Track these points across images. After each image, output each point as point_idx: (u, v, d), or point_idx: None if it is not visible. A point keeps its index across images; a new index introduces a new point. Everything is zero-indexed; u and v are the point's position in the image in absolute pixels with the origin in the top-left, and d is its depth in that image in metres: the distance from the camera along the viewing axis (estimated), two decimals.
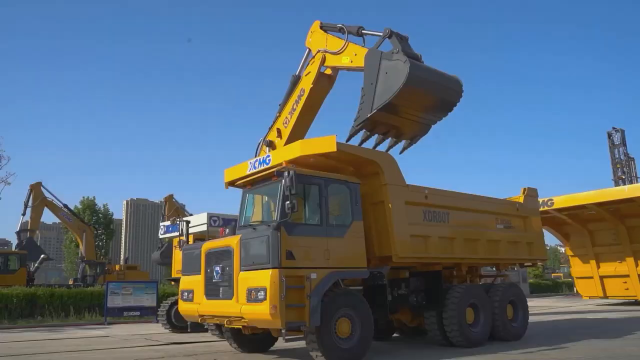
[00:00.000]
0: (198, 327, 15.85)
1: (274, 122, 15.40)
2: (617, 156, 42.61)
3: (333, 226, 8.31)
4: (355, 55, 12.94)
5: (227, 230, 10.14)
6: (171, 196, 36.50)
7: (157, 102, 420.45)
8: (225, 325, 8.26)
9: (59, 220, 36.26)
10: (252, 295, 7.55)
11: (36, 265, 29.33)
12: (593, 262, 22.64)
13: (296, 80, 15.44)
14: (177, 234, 26.79)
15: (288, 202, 7.41)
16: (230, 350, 10.07)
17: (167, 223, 28.36)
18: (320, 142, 8.60)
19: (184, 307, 9.35)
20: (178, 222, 11.17)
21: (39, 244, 37.39)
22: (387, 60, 10.87)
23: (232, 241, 8.24)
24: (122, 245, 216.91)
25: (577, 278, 24.14)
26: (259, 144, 16.04)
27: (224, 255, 8.35)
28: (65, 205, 34.30)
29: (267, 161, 9.23)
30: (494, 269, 12.12)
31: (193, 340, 12.29)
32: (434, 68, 11.04)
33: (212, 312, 8.55)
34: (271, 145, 15.36)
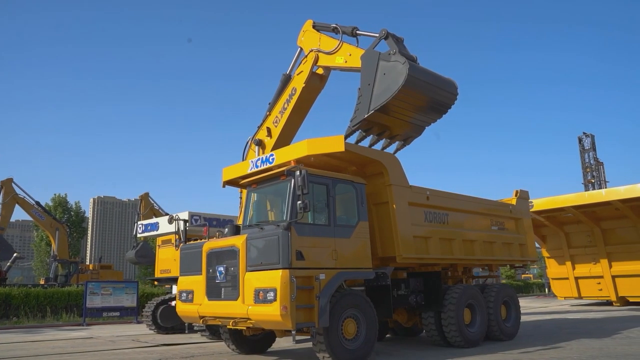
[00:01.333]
0: (183, 327, 15.54)
1: (264, 121, 15.26)
2: (587, 160, 43.97)
3: (340, 226, 8.25)
4: (350, 55, 12.92)
5: (227, 229, 9.97)
6: (147, 194, 35.79)
7: (126, 101, 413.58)
8: (230, 327, 8.08)
9: (23, 218, 35.07)
10: (261, 296, 7.41)
11: (9, 264, 28.31)
12: (569, 263, 23.26)
13: (287, 79, 15.33)
14: (155, 233, 26.27)
15: (300, 201, 7.31)
16: (228, 351, 9.90)
17: (145, 221, 27.81)
18: (328, 142, 8.53)
19: (182, 308, 9.13)
20: (175, 221, 10.90)
21: None
22: (385, 61, 10.86)
23: (237, 241, 8.09)
24: (89, 243, 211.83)
25: (553, 279, 24.73)
26: (248, 143, 15.86)
27: (228, 255, 8.19)
28: (37, 203, 33.21)
29: (271, 160, 9.10)
30: (486, 269, 12.27)
31: (183, 342, 12.05)
32: (430, 70, 11.10)
33: (214, 313, 8.37)
34: (260, 144, 15.22)
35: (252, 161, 9.60)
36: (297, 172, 7.44)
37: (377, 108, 10.69)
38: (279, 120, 14.82)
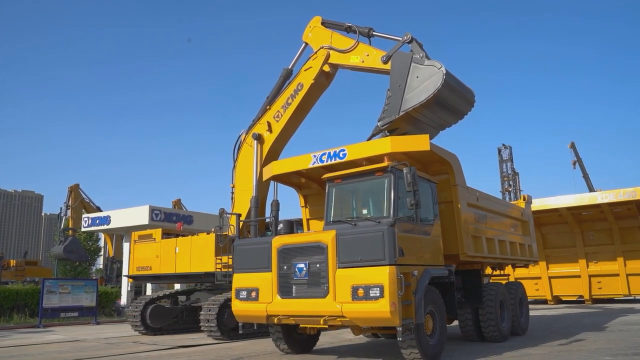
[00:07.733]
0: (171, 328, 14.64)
1: (263, 115, 14.91)
2: (504, 170, 47.60)
3: (423, 224, 8.35)
4: (368, 55, 13.03)
5: (281, 225, 9.62)
6: (77, 186, 33.04)
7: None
8: (321, 326, 7.82)
9: None
10: (360, 293, 7.28)
11: None
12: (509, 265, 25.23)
13: (288, 74, 15.11)
14: (105, 227, 24.45)
15: (410, 198, 7.31)
16: (274, 351, 9.55)
17: (92, 215, 25.78)
18: (413, 140, 8.60)
19: (242, 307, 8.63)
20: (225, 216, 10.24)
21: None
22: (417, 64, 11.11)
23: (324, 236, 7.85)
24: None
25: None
26: (240, 137, 15.40)
27: (312, 251, 7.91)
28: None
29: (342, 155, 8.92)
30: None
31: (194, 344, 11.36)
32: (456, 77, 11.53)
33: (289, 311, 8.06)
34: (259, 138, 14.87)
35: (314, 155, 9.34)
36: (406, 170, 7.42)
37: (408, 110, 10.92)
38: (281, 115, 14.54)
